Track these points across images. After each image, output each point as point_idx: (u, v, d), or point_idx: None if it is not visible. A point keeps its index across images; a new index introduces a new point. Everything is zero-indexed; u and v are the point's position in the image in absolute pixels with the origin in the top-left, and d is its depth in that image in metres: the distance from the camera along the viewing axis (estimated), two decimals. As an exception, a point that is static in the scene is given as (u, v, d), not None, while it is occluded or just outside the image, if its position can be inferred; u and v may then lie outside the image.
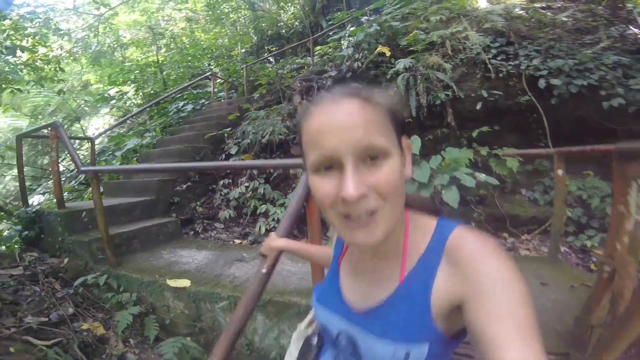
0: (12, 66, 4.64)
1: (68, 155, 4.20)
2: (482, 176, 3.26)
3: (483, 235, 0.48)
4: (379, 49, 4.51)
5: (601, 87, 3.31)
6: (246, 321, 0.83)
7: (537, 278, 2.20)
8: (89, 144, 4.97)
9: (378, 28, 4.76)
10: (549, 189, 3.38)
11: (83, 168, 2.91)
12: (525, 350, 0.38)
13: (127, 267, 3.02)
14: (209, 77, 6.98)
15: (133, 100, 8.33)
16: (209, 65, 8.48)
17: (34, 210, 3.37)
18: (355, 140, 0.44)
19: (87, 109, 9.22)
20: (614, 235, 1.26)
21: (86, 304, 3.15)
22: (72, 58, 7.56)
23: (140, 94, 8.24)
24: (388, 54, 4.45)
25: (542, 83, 3.50)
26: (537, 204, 3.35)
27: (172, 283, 2.73)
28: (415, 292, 0.50)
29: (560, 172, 2.40)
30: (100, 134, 6.04)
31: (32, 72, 5.40)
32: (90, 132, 9.82)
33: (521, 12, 4.64)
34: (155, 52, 8.59)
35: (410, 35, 4.36)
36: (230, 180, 4.29)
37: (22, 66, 5.16)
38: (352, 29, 5.69)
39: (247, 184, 4.03)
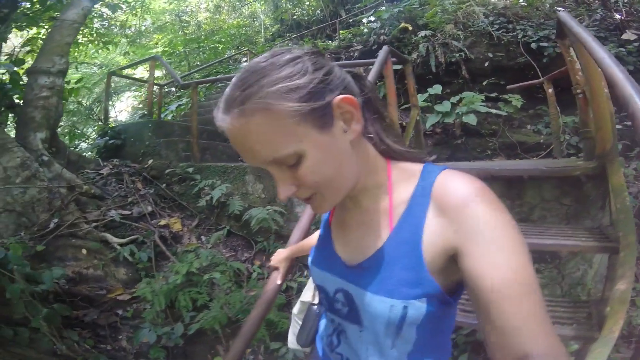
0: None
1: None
2: (493, 111, 4.11)
3: (471, 177, 0.44)
4: (402, 25, 5.45)
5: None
6: (258, 328, 0.87)
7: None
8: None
9: (402, 9, 5.74)
10: (549, 125, 4.22)
11: (183, 82, 3.53)
12: (526, 302, 0.36)
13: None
14: (244, 53, 7.90)
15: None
16: (237, 48, 9.34)
17: (120, 124, 3.93)
18: (261, 158, 0.43)
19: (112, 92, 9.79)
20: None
21: (163, 204, 3.60)
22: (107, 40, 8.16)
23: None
24: (410, 28, 5.39)
25: (534, 45, 4.51)
26: (541, 134, 4.20)
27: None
28: (405, 240, 0.48)
29: (550, 90, 3.31)
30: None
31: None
32: (113, 114, 10.44)
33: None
34: (182, 37, 9.36)
35: (430, 12, 5.34)
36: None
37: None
38: (372, 13, 6.67)
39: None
